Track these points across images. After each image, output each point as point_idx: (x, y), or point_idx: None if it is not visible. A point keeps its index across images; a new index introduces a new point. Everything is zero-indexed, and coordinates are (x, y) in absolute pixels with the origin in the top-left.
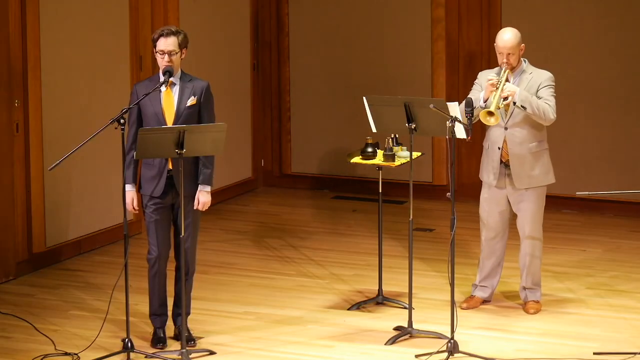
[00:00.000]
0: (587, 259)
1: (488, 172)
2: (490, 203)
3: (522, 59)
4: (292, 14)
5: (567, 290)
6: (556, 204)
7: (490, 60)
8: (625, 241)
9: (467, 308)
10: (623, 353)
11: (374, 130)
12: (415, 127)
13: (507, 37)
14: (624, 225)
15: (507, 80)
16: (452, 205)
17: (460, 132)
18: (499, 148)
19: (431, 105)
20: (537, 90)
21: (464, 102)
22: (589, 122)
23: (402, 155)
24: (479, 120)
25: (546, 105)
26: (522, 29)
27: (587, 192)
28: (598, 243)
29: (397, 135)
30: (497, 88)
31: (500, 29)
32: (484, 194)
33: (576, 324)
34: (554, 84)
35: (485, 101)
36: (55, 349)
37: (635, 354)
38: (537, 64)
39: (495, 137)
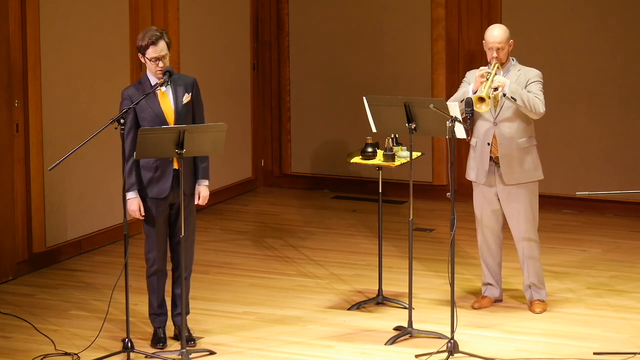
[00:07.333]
0: (587, 259)
1: (477, 169)
2: (483, 202)
3: (510, 57)
4: (292, 14)
5: (567, 290)
6: (556, 204)
7: None
8: (625, 241)
9: (479, 308)
10: (623, 353)
11: (374, 130)
12: (415, 127)
13: (496, 33)
14: (624, 225)
15: (496, 73)
16: (452, 205)
17: (460, 132)
18: (488, 144)
19: (431, 105)
20: (526, 86)
21: (455, 95)
22: (589, 122)
23: (402, 155)
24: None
25: (536, 98)
26: (522, 29)
27: (587, 192)
28: (598, 243)
29: (397, 135)
30: (486, 79)
31: None
32: (476, 193)
33: (576, 324)
34: (542, 80)
35: (474, 92)
36: (55, 349)
37: (635, 354)
38: (537, 64)
39: (484, 133)
